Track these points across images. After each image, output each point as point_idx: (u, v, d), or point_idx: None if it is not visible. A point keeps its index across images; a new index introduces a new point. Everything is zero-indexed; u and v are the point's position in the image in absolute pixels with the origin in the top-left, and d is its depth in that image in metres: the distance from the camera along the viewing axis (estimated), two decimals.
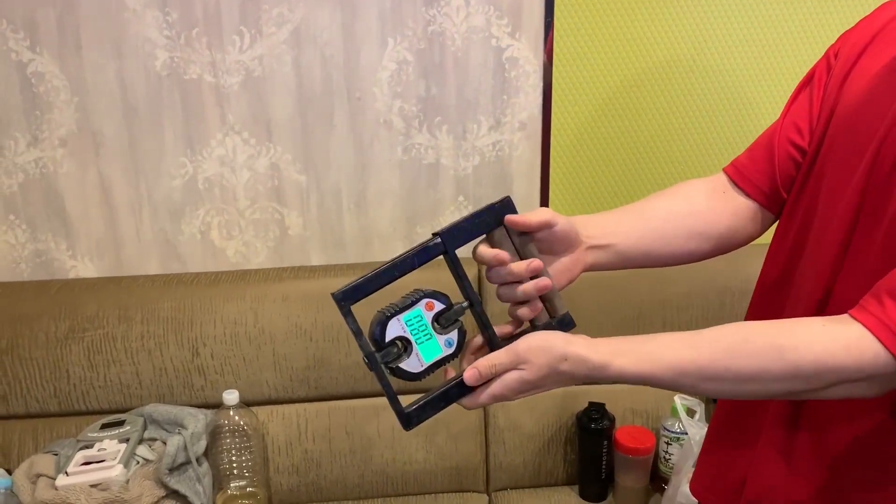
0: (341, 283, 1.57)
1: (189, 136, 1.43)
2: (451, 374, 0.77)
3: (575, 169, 1.54)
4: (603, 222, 0.85)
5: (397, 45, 1.41)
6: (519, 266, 0.76)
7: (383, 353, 0.74)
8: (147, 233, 1.49)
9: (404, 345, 0.75)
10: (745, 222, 0.88)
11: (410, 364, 0.75)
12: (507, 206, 0.77)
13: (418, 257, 0.74)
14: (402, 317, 0.75)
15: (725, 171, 0.90)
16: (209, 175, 1.46)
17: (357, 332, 0.73)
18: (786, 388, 0.69)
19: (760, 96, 1.52)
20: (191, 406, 1.40)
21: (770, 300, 0.86)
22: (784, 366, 0.67)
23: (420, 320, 0.75)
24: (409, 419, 0.75)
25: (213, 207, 1.49)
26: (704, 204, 0.88)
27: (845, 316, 0.68)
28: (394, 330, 0.74)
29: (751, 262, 0.94)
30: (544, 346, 0.72)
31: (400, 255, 0.74)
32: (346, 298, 0.73)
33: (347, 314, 0.73)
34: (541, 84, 1.46)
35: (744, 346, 0.69)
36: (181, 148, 1.44)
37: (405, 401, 0.76)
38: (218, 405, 1.38)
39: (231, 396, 1.34)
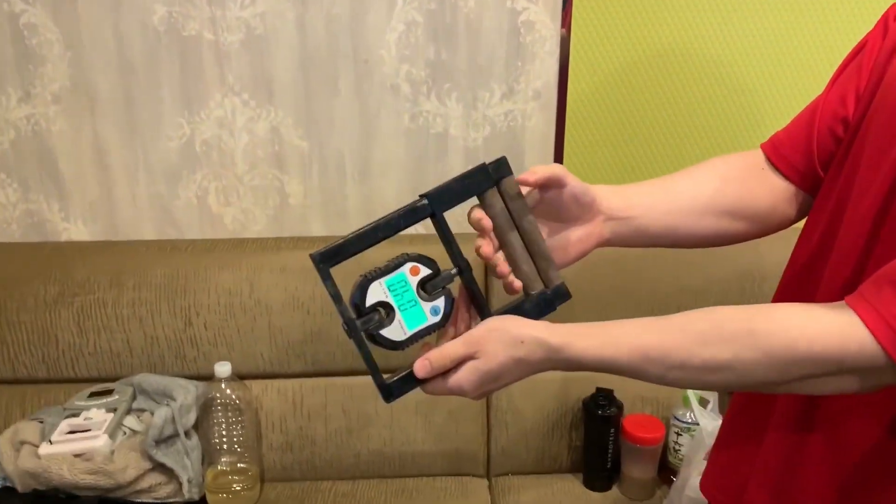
0: None
1: (187, 96, 1.38)
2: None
3: (591, 142, 1.48)
4: (625, 193, 0.80)
5: (406, 4, 1.34)
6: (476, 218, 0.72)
7: (364, 320, 0.70)
8: (142, 197, 1.44)
9: (387, 311, 0.71)
10: (782, 203, 0.82)
11: (392, 331, 0.71)
12: (501, 166, 0.72)
13: (404, 219, 0.70)
14: (385, 280, 0.70)
15: (762, 147, 0.84)
16: (207, 137, 1.40)
17: (336, 297, 0.70)
18: (760, 379, 0.64)
19: (793, 66, 1.44)
20: (182, 377, 1.35)
21: (801, 282, 0.80)
22: (757, 353, 0.62)
23: (404, 285, 0.71)
24: (389, 391, 0.72)
25: (211, 172, 1.43)
26: (739, 181, 0.82)
27: (840, 302, 0.62)
28: (375, 294, 0.70)
29: (774, 248, 0.89)
30: (499, 328, 0.69)
31: (384, 217, 0.70)
32: (325, 260, 0.69)
33: (326, 277, 0.69)
34: (557, 51, 1.38)
35: (715, 332, 0.64)
36: (178, 108, 1.38)
37: None
38: (211, 377, 1.33)
39: (223, 368, 1.30)
